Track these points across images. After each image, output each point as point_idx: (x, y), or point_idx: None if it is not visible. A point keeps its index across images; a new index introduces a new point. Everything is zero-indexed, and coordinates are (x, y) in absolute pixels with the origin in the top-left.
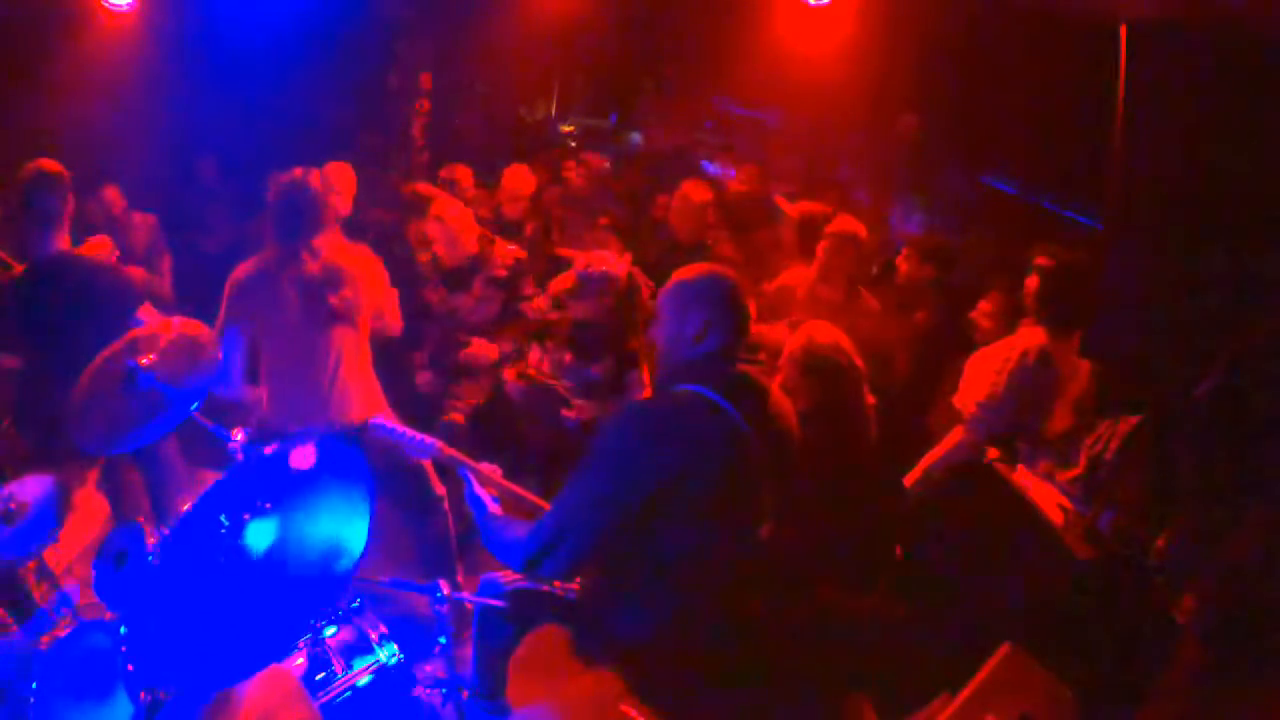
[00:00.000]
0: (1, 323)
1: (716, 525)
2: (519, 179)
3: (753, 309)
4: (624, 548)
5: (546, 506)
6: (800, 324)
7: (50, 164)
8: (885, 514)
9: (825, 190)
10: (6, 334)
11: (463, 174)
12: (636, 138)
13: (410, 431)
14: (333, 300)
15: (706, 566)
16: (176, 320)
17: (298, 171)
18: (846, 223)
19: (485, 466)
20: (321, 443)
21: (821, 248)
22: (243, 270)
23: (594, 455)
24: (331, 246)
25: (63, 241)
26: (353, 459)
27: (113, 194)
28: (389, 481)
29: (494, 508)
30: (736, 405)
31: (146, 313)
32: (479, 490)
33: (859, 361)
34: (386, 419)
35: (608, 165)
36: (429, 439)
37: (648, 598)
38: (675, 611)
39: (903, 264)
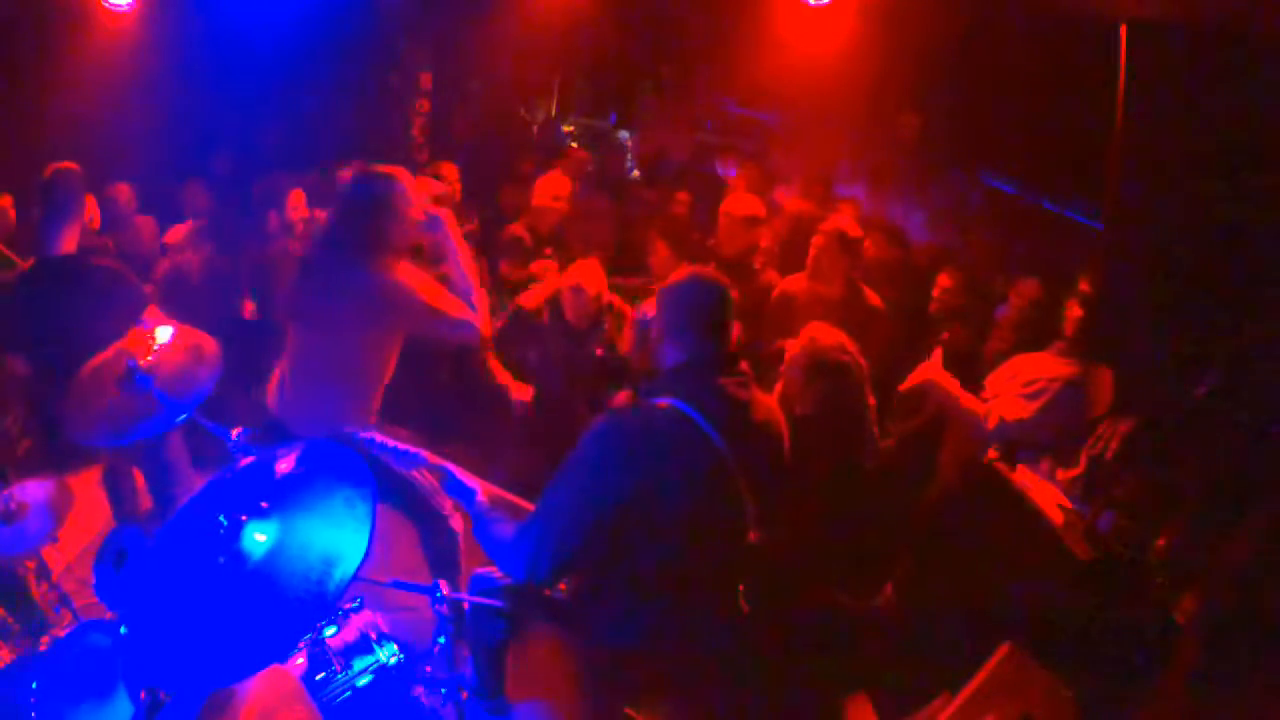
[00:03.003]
0: (6, 320)
1: (693, 537)
2: (556, 186)
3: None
4: (604, 556)
5: None
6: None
7: (68, 164)
8: (887, 514)
9: (813, 186)
10: (11, 331)
11: (449, 170)
12: (625, 135)
13: (395, 443)
14: None
15: (687, 575)
16: (178, 327)
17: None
18: (836, 221)
19: (477, 481)
20: (322, 448)
21: (813, 247)
22: None
23: (568, 465)
24: None
25: (71, 242)
26: (355, 464)
27: (122, 190)
28: (400, 491)
29: (482, 496)
30: (712, 419)
31: (152, 315)
32: (464, 478)
33: (863, 361)
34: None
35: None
36: (415, 449)
37: (632, 604)
38: (661, 618)
39: (870, 247)
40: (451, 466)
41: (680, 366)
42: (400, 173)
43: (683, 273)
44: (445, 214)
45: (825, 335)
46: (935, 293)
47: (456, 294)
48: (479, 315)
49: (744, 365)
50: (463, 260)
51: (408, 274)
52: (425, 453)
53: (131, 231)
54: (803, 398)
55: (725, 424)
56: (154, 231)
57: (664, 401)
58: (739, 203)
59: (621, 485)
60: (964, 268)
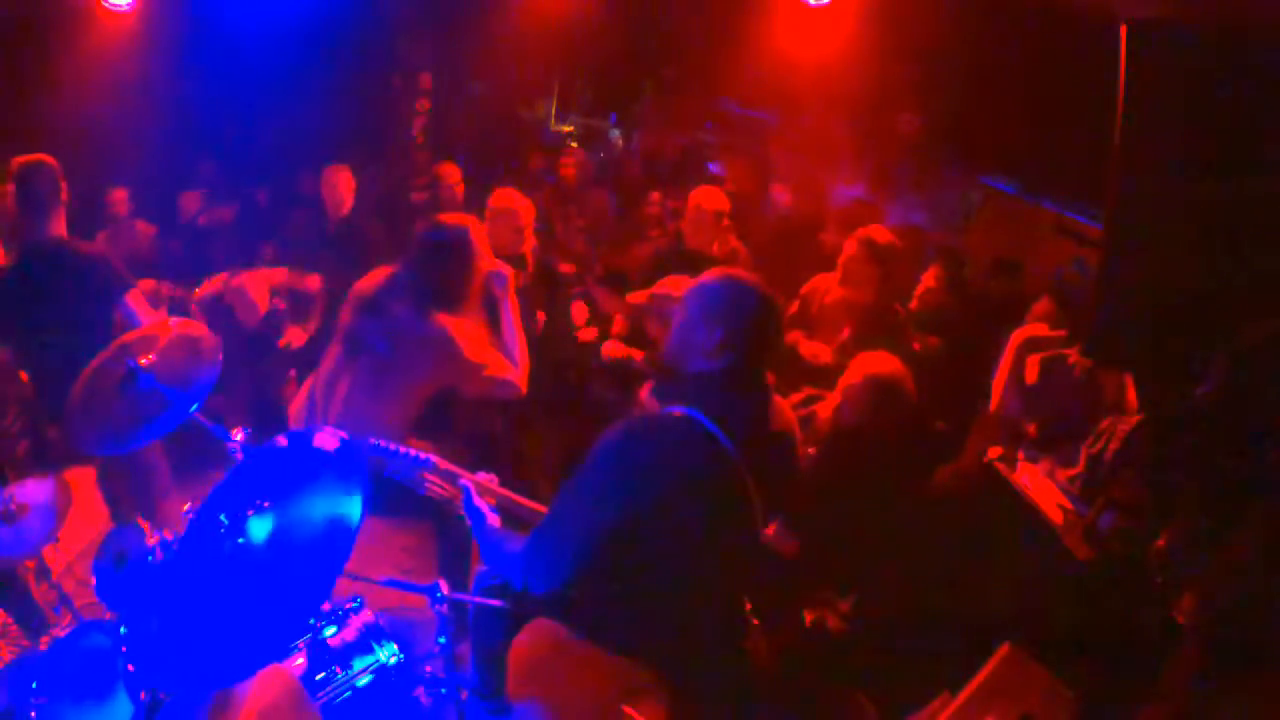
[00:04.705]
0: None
1: (704, 544)
2: (511, 202)
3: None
4: (614, 563)
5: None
6: (854, 351)
7: (36, 155)
8: (895, 515)
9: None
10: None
11: (449, 171)
12: (616, 134)
13: (403, 448)
14: None
15: (695, 580)
16: (175, 320)
17: None
18: (865, 228)
19: (482, 476)
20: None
21: (843, 253)
22: None
23: (582, 474)
24: None
25: (57, 228)
26: (349, 451)
27: (120, 196)
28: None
29: (492, 518)
30: (730, 431)
31: (137, 302)
32: (477, 501)
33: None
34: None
35: (592, 158)
36: (423, 454)
37: (638, 608)
38: (666, 621)
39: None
40: (461, 474)
41: (704, 375)
42: (472, 222)
43: (735, 275)
44: (508, 269)
45: (885, 363)
46: (918, 290)
47: (501, 348)
48: (519, 372)
49: (769, 378)
50: (514, 316)
51: (458, 328)
52: (434, 456)
53: (129, 236)
54: (861, 416)
55: (742, 436)
56: (151, 237)
57: (679, 411)
58: (709, 196)
59: (635, 495)
60: (951, 266)
